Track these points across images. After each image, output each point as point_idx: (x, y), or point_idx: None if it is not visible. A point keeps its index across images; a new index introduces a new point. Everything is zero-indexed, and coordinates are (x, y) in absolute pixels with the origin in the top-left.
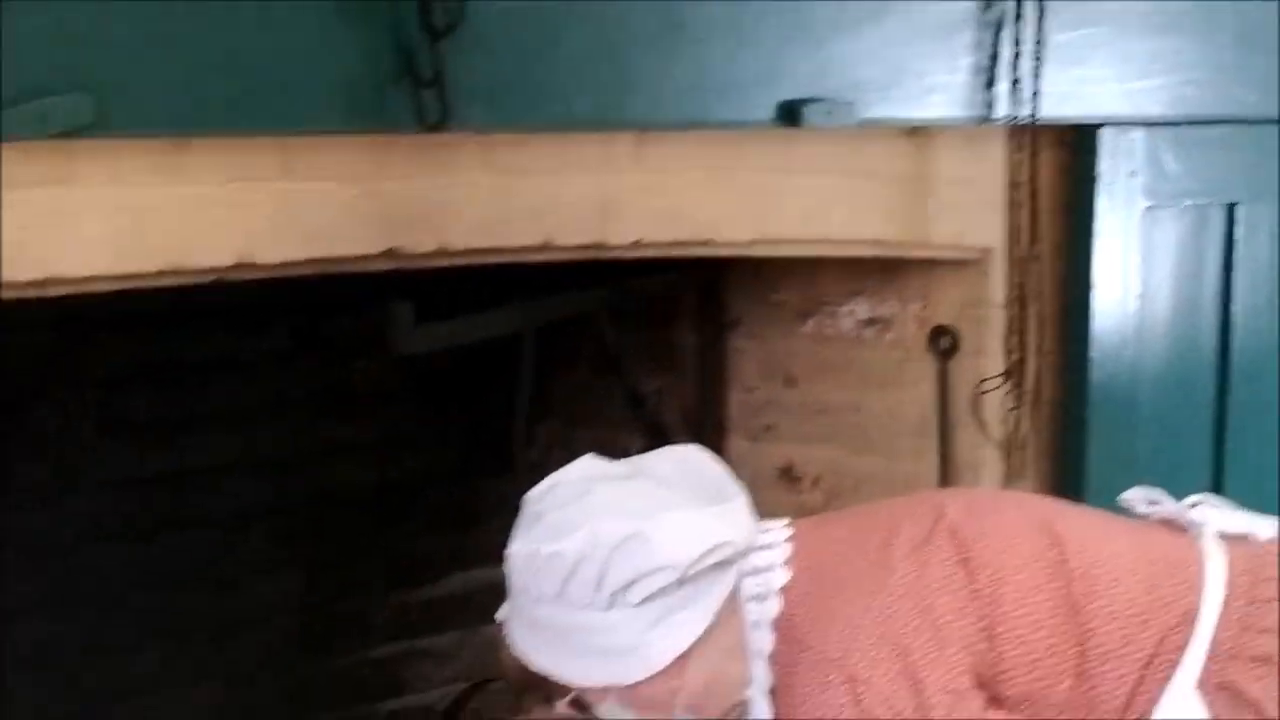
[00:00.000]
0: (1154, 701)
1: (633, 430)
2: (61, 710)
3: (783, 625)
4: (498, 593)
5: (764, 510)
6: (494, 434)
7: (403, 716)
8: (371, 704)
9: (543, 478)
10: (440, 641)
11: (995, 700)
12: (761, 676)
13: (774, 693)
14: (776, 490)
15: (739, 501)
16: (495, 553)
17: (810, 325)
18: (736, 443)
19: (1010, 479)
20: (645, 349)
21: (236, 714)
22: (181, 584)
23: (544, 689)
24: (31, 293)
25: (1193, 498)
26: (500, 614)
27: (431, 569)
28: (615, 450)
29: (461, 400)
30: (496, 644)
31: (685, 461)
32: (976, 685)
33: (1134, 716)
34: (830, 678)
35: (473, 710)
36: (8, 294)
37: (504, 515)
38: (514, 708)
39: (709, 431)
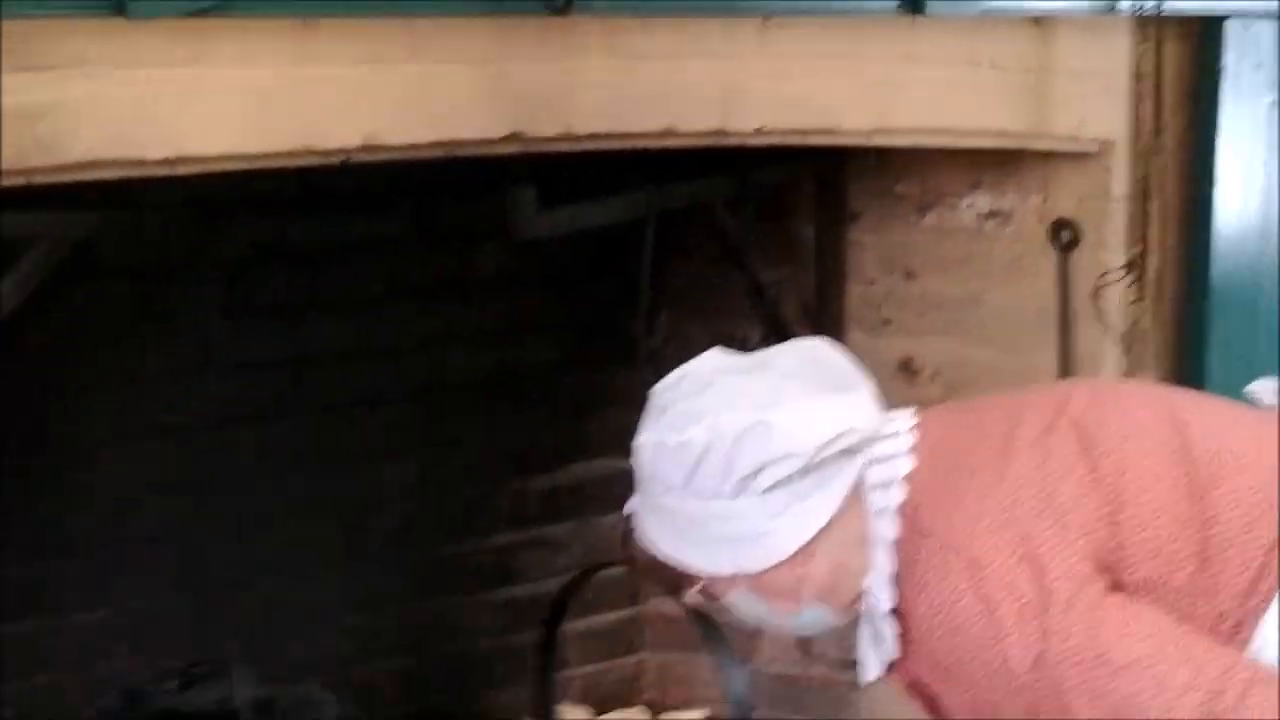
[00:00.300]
0: (1277, 589)
1: (751, 322)
2: (192, 586)
3: (906, 513)
4: (615, 482)
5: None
6: (613, 323)
7: (517, 604)
8: (487, 591)
9: (662, 367)
10: (557, 530)
11: (1117, 586)
12: (885, 564)
13: (897, 580)
14: (895, 383)
15: (864, 391)
16: (613, 442)
17: (930, 218)
18: (855, 336)
19: (1130, 372)
20: (764, 240)
21: (357, 596)
22: (304, 467)
23: (672, 579)
24: (163, 171)
25: None
26: (629, 505)
27: (549, 458)
28: (733, 342)
29: (581, 289)
30: (612, 533)
31: (811, 353)
32: (1098, 571)
33: (1256, 603)
34: (952, 563)
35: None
36: (141, 172)
37: (623, 405)
38: (635, 596)
39: (827, 324)
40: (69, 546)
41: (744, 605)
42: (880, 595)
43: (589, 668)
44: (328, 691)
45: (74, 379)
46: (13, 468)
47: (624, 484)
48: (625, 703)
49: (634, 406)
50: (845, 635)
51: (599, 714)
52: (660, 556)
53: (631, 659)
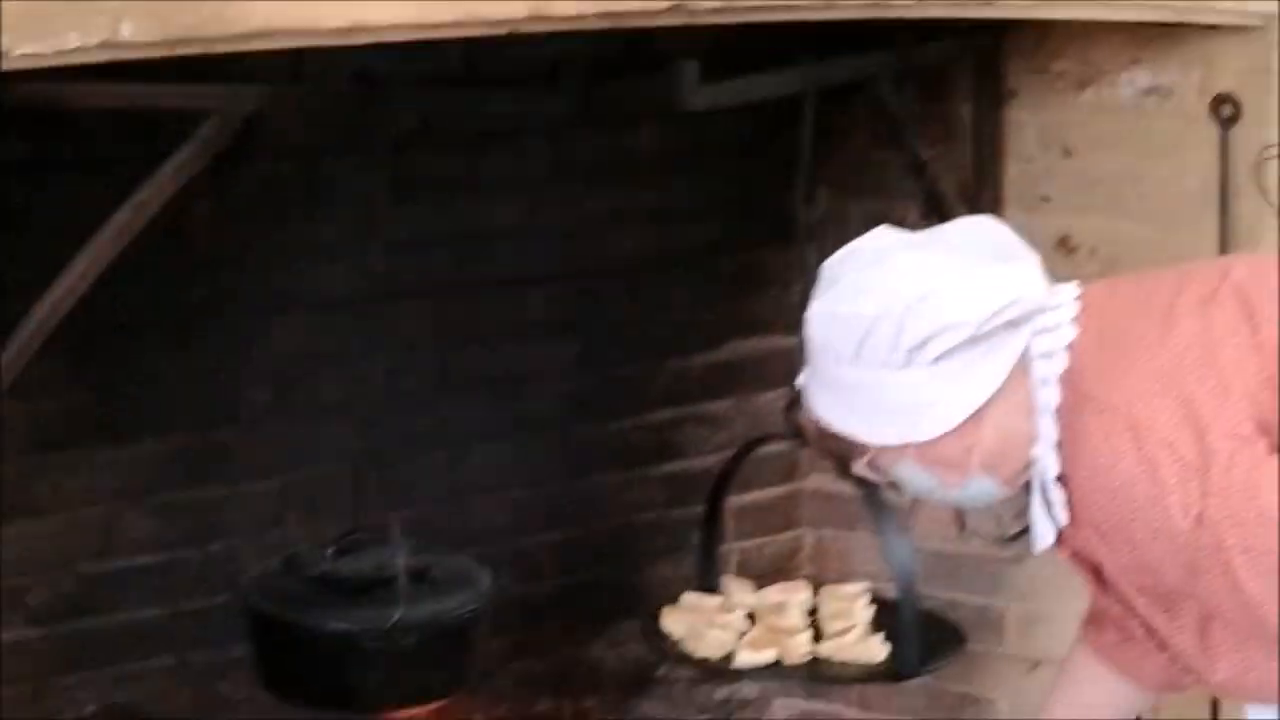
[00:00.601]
0: None
1: (909, 200)
2: (358, 457)
3: (1069, 380)
4: (773, 359)
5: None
6: (773, 201)
7: (677, 479)
8: (647, 466)
9: (821, 245)
10: (716, 406)
11: (1278, 447)
12: (1049, 431)
13: (1061, 447)
14: (1053, 261)
15: (1030, 263)
16: (772, 319)
17: (1088, 94)
18: (1013, 214)
19: None
20: (922, 118)
21: (519, 471)
22: (467, 342)
23: (838, 453)
24: (336, 40)
25: None
26: (799, 378)
27: (709, 335)
28: (891, 221)
29: (741, 167)
30: (771, 409)
31: (977, 228)
32: (1259, 433)
33: None
34: (1114, 427)
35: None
36: (315, 41)
37: (781, 282)
38: (794, 471)
39: (985, 202)
40: (241, 416)
41: (911, 477)
42: (1047, 462)
43: (746, 542)
44: (484, 563)
45: (244, 252)
46: (186, 340)
47: (782, 360)
48: (782, 578)
49: (792, 284)
50: (1002, 511)
51: (758, 588)
52: (829, 429)
53: (789, 534)
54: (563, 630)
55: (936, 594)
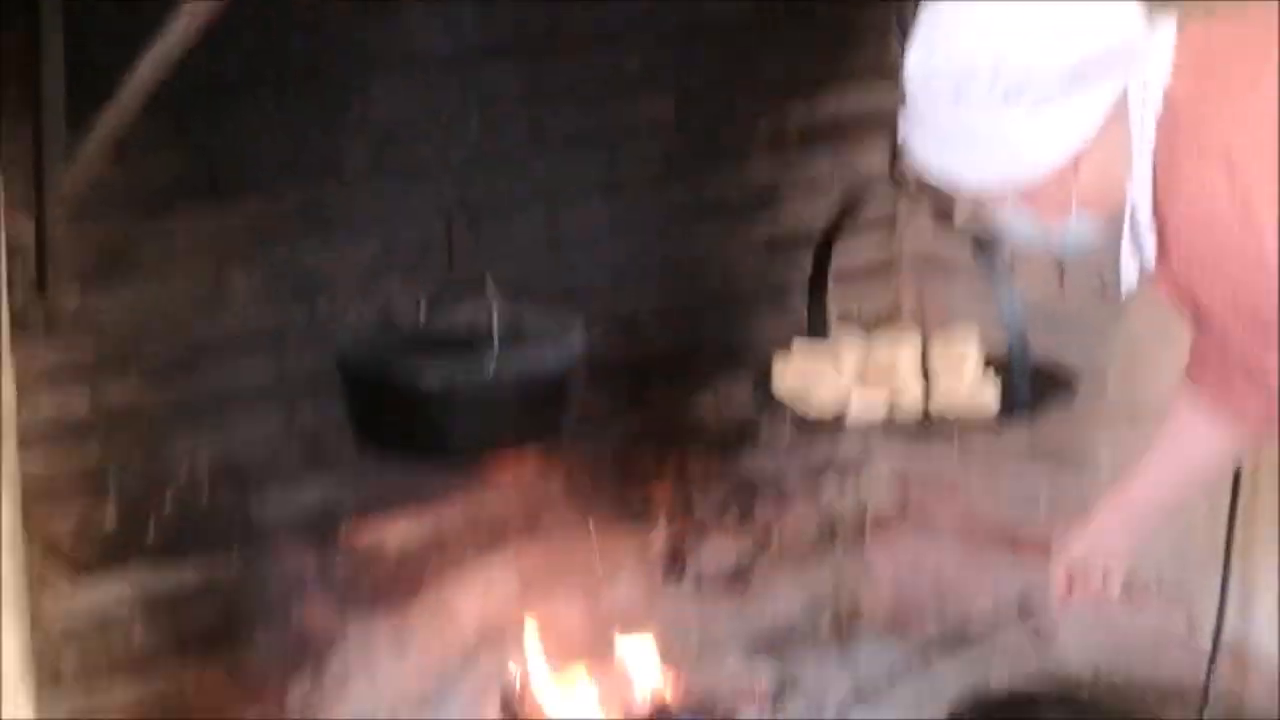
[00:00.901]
0: None
1: None
2: (457, 216)
3: (1165, 118)
4: (872, 111)
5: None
6: None
7: (777, 234)
8: (746, 222)
9: None
10: (816, 160)
11: None
12: (1145, 170)
13: (1157, 186)
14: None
15: (1128, 2)
16: (871, 70)
17: None
18: None
19: None
20: None
21: (617, 227)
22: (562, 101)
23: (942, 200)
24: None
25: None
26: (899, 127)
27: (807, 88)
28: None
29: None
30: (869, 163)
31: None
32: None
33: None
34: (1208, 162)
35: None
36: None
37: (879, 32)
38: (893, 223)
39: None
40: (340, 175)
41: (1012, 221)
42: (1142, 200)
43: (848, 296)
44: (583, 319)
45: (339, 10)
46: (284, 99)
47: (883, 111)
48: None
49: (891, 33)
50: (1103, 259)
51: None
52: (930, 176)
53: (889, 288)
54: (664, 386)
55: (1039, 348)
